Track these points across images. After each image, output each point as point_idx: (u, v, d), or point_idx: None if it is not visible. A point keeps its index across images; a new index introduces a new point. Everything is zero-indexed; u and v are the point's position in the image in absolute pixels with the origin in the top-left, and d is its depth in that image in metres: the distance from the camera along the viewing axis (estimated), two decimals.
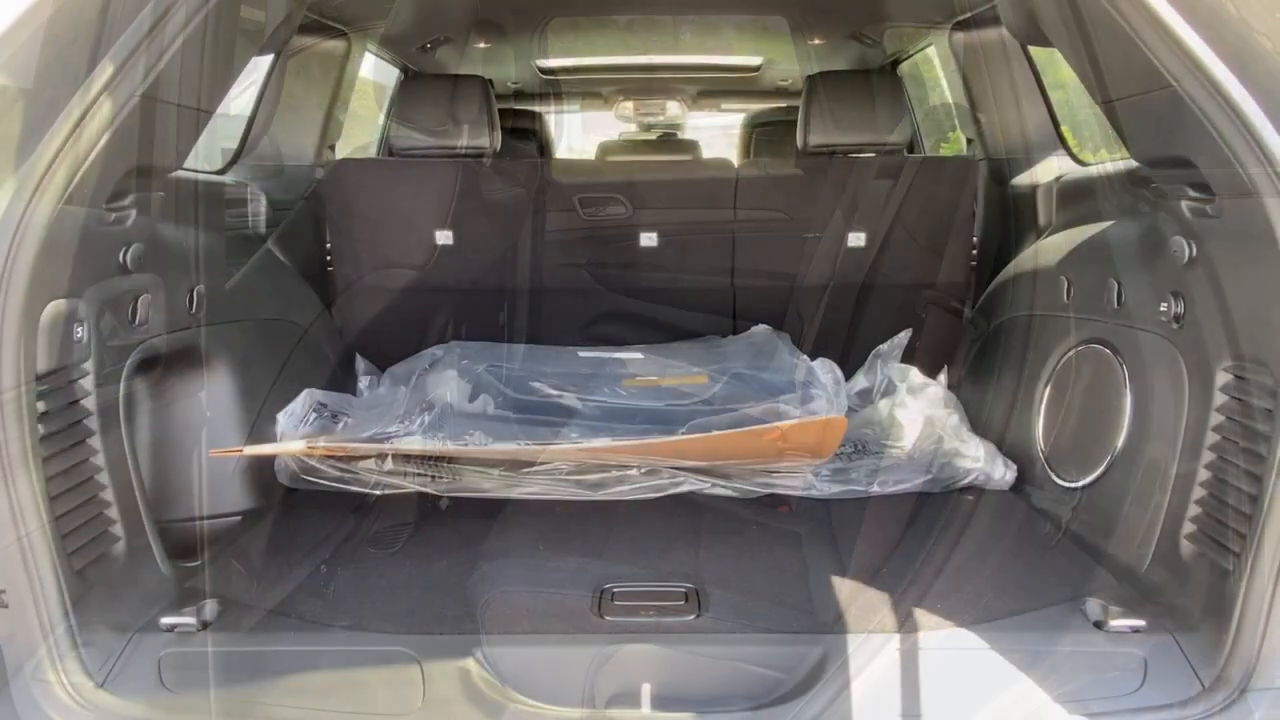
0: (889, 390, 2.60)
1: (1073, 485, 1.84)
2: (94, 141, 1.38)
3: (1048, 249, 2.24)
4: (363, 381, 2.64)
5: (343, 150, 3.14)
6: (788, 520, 1.87)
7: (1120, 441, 1.73)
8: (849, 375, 2.75)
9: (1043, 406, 2.02)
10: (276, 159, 2.77)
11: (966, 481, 2.01)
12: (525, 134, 3.88)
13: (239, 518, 1.88)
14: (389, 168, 2.69)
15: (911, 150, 3.44)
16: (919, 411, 2.39)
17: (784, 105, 4.34)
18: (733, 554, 1.70)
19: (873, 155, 2.72)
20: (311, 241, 2.79)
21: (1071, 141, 2.64)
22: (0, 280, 1.28)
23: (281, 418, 2.05)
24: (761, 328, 2.69)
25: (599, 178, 2.69)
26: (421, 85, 2.92)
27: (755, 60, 4.30)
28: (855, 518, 1.87)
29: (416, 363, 2.59)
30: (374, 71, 3.65)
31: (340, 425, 2.13)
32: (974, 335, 2.54)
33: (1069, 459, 1.90)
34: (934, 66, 3.86)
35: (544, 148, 4.14)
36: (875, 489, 1.97)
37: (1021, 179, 2.71)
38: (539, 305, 2.79)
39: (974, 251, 2.76)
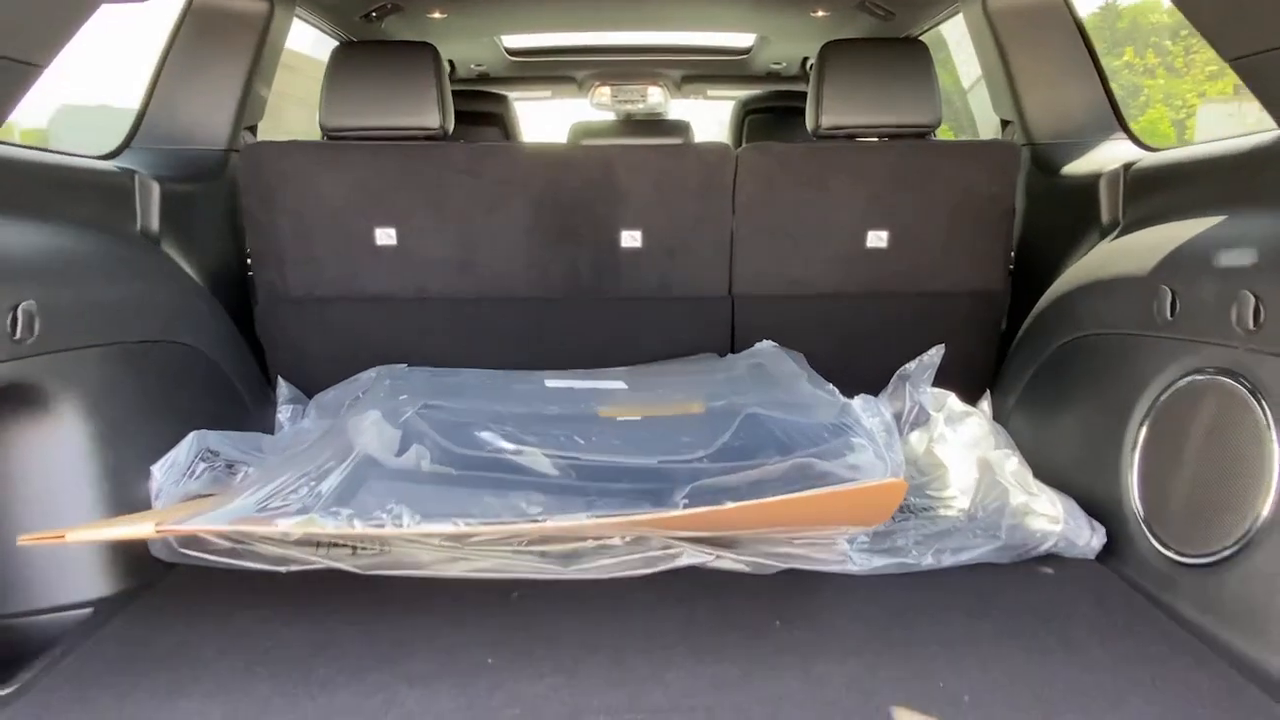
0: (920, 420, 2.17)
1: (1192, 559, 1.41)
2: None
3: (1127, 252, 1.81)
4: (283, 412, 2.17)
5: (272, 135, 2.65)
6: (821, 610, 1.43)
7: (1266, 508, 1.31)
8: None
9: (1136, 453, 1.59)
10: (183, 142, 2.28)
11: (1044, 549, 1.58)
12: (488, 119, 3.42)
13: (89, 610, 1.40)
14: (317, 152, 2.22)
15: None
16: (965, 449, 1.96)
17: (781, 90, 3.91)
18: (755, 667, 1.25)
19: (896, 139, 2.29)
20: (224, 242, 2.31)
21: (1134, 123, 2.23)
22: None
23: (157, 472, 1.58)
24: (766, 344, 2.25)
25: (572, 164, 2.24)
26: (357, 52, 2.44)
27: (746, 40, 3.86)
28: (910, 604, 1.43)
29: (349, 389, 2.12)
30: (315, 47, 3.18)
31: (239, 477, 1.66)
32: (1028, 357, 2.11)
33: (1182, 524, 1.47)
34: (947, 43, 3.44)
35: (510, 135, 3.68)
36: (929, 561, 1.54)
37: (1074, 167, 2.28)
38: (499, 317, 2.33)
39: (1012, 254, 2.34)
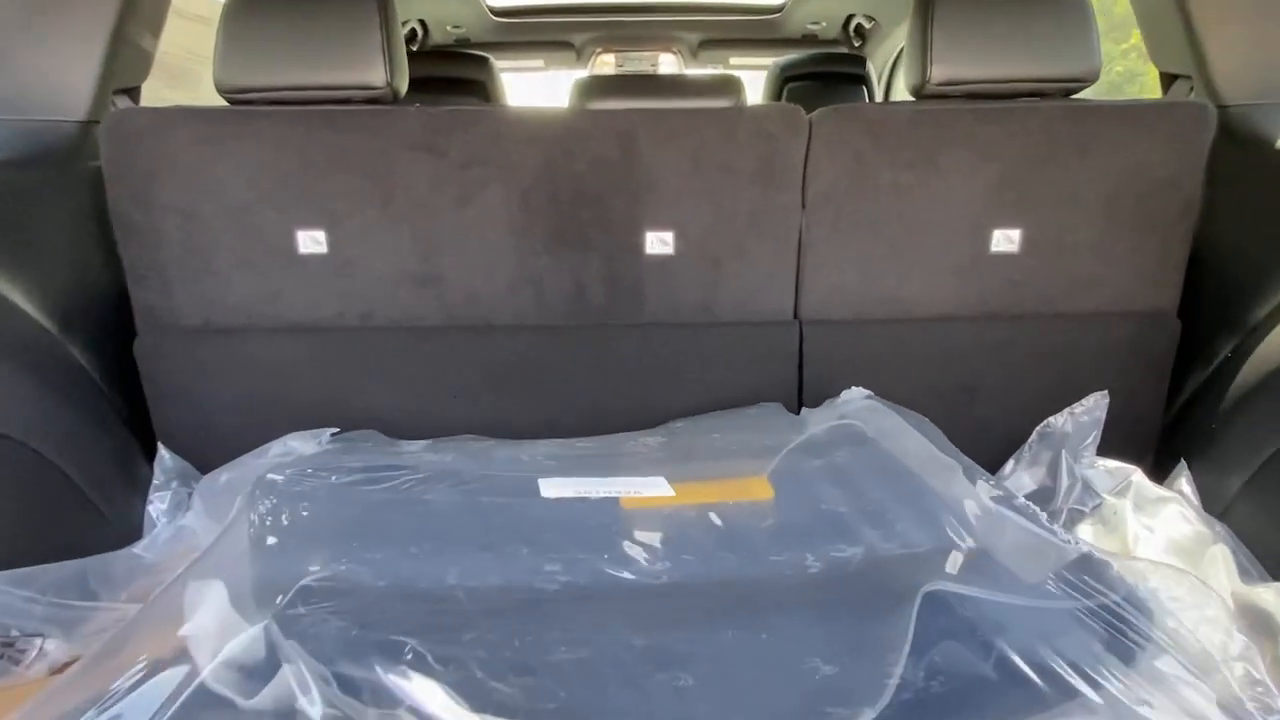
0: (1079, 502, 1.51)
1: None
2: None
3: None
4: (158, 501, 1.49)
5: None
6: None
7: None
8: (993, 465, 1.66)
9: None
10: (16, 110, 1.59)
11: None
12: (461, 86, 2.72)
13: None
14: (213, 123, 1.54)
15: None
16: (1173, 560, 1.29)
17: (828, 53, 3.23)
18: None
19: (1036, 99, 1.62)
20: (82, 253, 1.63)
21: None
22: None
23: None
24: (856, 394, 1.58)
25: (576, 137, 1.57)
26: None
27: None
28: None
29: (249, 470, 1.45)
30: None
31: (32, 653, 0.98)
32: (1261, 413, 1.44)
33: None
34: None
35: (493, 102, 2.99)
36: None
37: None
38: (473, 354, 1.66)
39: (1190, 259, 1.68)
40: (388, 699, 0.69)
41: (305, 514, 1.02)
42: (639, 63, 3.55)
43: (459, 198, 1.58)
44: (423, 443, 1.50)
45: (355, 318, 1.65)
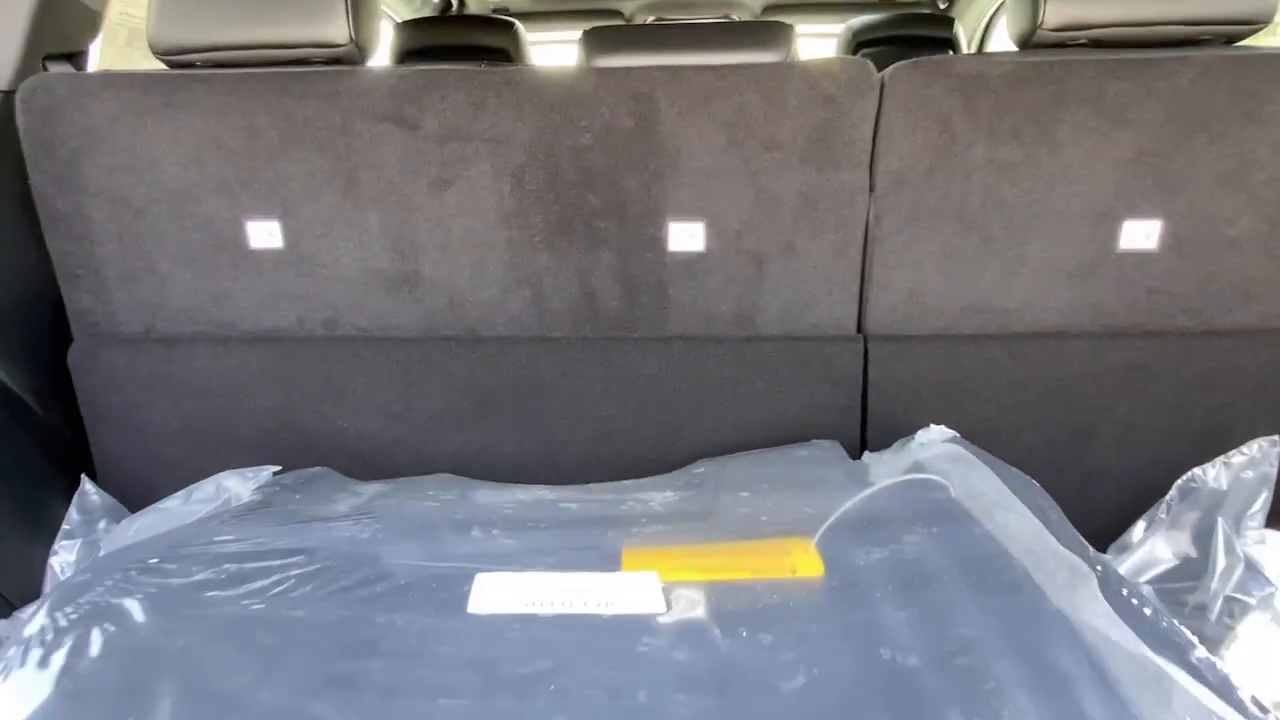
0: (1241, 589, 1.13)
1: None
2: None
3: None
4: (61, 553, 1.23)
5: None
6: None
7: None
8: (1116, 527, 1.29)
9: None
10: None
11: None
12: (481, 54, 2.41)
13: None
14: (145, 90, 1.27)
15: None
16: None
17: (906, 14, 2.82)
18: None
19: (1187, 48, 1.24)
20: (5, 241, 1.37)
21: None
22: None
23: None
24: (936, 433, 1.22)
25: (583, 102, 1.24)
26: None
27: None
28: None
29: (167, 517, 1.16)
30: None
31: None
32: None
33: None
34: None
35: None
36: None
37: None
38: (456, 371, 1.36)
39: None
40: None
41: (100, 654, 0.70)
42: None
43: (437, 180, 1.28)
44: (375, 487, 1.21)
45: (318, 325, 1.37)
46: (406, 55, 2.46)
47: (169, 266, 1.35)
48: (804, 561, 0.96)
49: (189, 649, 0.72)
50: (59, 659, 0.70)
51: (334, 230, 1.31)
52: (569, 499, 1.11)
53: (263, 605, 0.79)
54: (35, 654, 0.71)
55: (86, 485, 1.32)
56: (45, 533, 1.25)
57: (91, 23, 1.55)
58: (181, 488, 1.28)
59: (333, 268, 1.33)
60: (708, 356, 1.34)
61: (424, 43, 2.45)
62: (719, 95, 1.22)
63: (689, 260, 1.30)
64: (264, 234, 1.33)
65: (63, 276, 1.36)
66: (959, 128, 1.22)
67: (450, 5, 3.19)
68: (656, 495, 1.13)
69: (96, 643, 0.73)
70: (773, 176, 1.25)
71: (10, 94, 1.37)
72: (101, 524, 1.30)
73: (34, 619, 0.76)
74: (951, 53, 2.72)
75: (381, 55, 2.00)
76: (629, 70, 1.24)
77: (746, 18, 3.19)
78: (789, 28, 1.67)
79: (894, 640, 0.74)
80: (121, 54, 1.83)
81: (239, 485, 1.19)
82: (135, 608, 0.78)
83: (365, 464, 1.37)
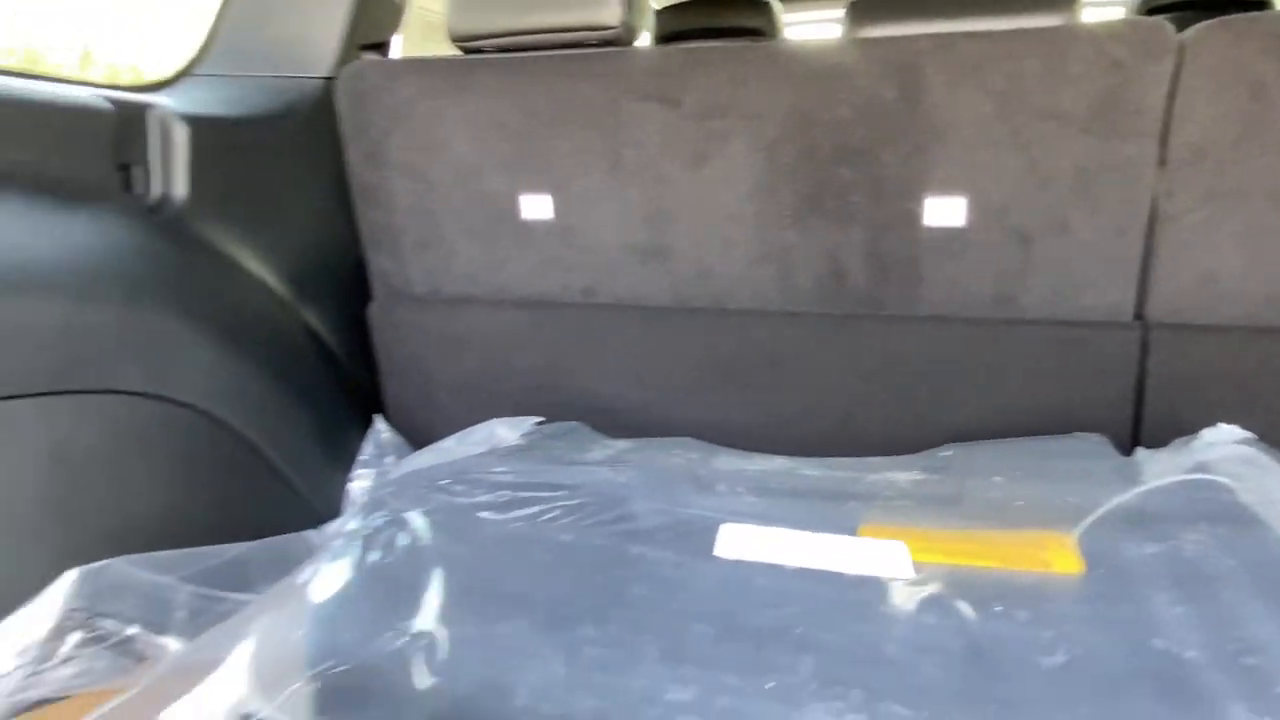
0: None
1: None
2: None
3: None
4: (359, 479, 1.41)
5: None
6: None
7: None
8: None
9: None
10: (264, 67, 1.58)
11: None
12: (735, 35, 2.44)
13: None
14: (441, 74, 1.42)
15: None
16: None
17: None
18: None
19: None
20: (323, 213, 1.59)
21: None
22: None
23: None
24: (1229, 434, 1.09)
25: (841, 75, 1.23)
26: None
27: None
28: None
29: (449, 454, 1.30)
30: None
31: (149, 653, 0.89)
32: None
33: None
34: None
35: None
36: None
37: None
38: (701, 340, 1.40)
39: None
40: None
41: (421, 538, 0.82)
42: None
43: (694, 157, 1.32)
44: (624, 444, 1.28)
45: (578, 293, 1.46)
46: (665, 39, 2.54)
47: (454, 235, 1.49)
48: (1060, 557, 0.91)
49: (471, 554, 0.82)
50: (363, 555, 0.83)
51: (597, 204, 1.39)
52: (809, 470, 1.12)
53: (532, 528, 0.88)
54: (344, 551, 0.84)
55: (379, 424, 1.51)
56: (345, 462, 1.44)
57: (395, 15, 1.75)
58: (454, 432, 1.43)
59: (594, 239, 1.42)
60: (961, 338, 1.28)
61: (682, 26, 2.52)
62: (990, 62, 1.16)
63: (946, 236, 1.25)
64: (536, 207, 1.44)
65: (367, 242, 1.55)
66: (1275, 94, 1.08)
67: None
68: (900, 474, 1.10)
69: (395, 543, 0.85)
70: (1046, 148, 1.17)
71: (331, 80, 1.57)
72: (389, 458, 1.47)
73: (346, 523, 0.89)
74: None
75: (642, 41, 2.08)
76: (894, 40, 1.21)
77: None
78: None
79: (1168, 633, 0.68)
80: (415, 43, 2.04)
81: (506, 432, 1.31)
82: (427, 519, 0.89)
83: (614, 424, 1.45)
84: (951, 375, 1.30)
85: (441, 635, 0.72)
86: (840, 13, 1.71)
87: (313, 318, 1.54)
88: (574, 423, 1.39)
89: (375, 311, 1.57)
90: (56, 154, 1.14)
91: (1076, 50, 1.13)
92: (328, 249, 1.58)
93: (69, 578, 0.89)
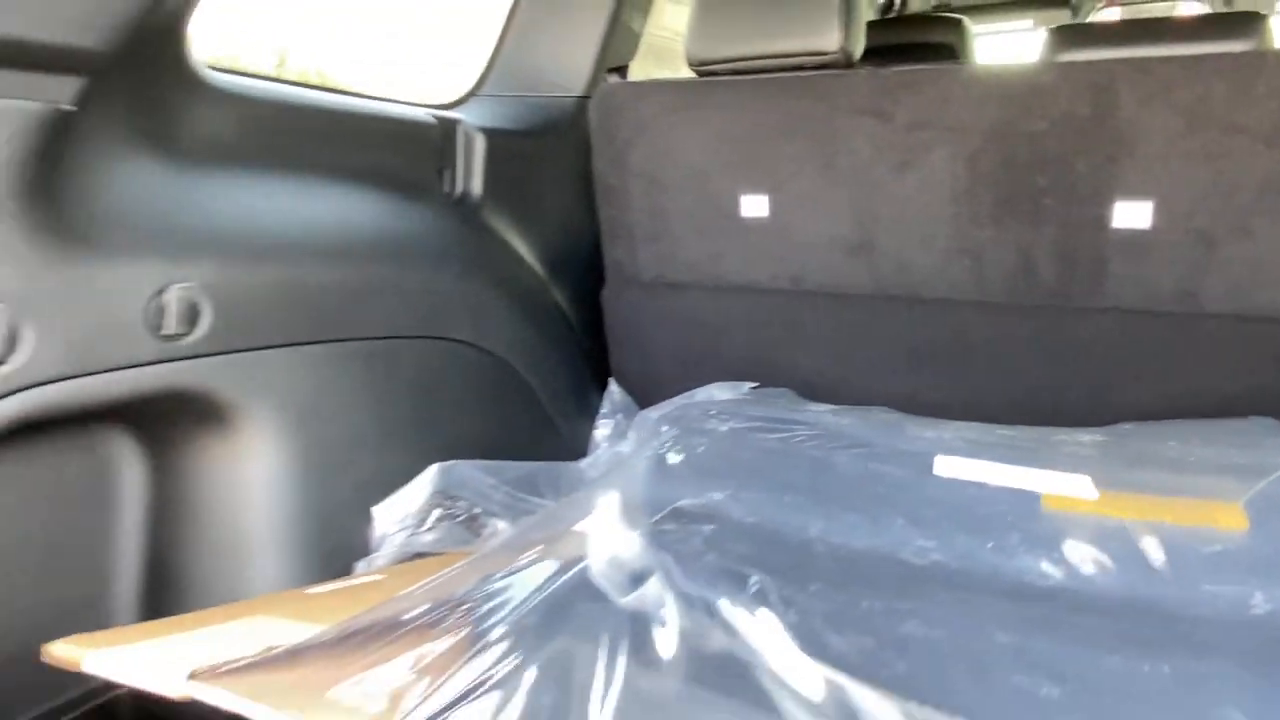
0: None
1: None
2: None
3: None
4: (603, 427, 1.70)
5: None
6: None
7: None
8: None
9: None
10: (533, 88, 1.91)
11: None
12: (928, 51, 2.59)
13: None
14: (678, 94, 1.69)
15: None
16: None
17: None
18: None
19: None
20: (570, 210, 1.90)
21: None
22: None
23: (379, 515, 1.18)
24: None
25: (1040, 94, 1.40)
26: None
27: None
28: None
29: (676, 409, 1.57)
30: None
31: (487, 529, 1.20)
32: None
33: None
34: None
35: None
36: None
37: None
38: (897, 325, 1.60)
39: None
40: (730, 623, 0.71)
41: (699, 449, 1.09)
42: (1152, 14, 3.05)
43: (900, 163, 1.52)
44: (831, 406, 1.50)
45: (786, 281, 1.69)
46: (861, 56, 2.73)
47: (680, 230, 1.76)
48: (1227, 515, 1.05)
49: (747, 456, 1.08)
50: (664, 453, 1.09)
51: (809, 203, 1.62)
52: (996, 432, 1.31)
53: (786, 445, 1.13)
54: (649, 450, 1.11)
55: (613, 387, 1.80)
56: (588, 414, 1.74)
57: (634, 42, 2.04)
58: (668, 399, 1.69)
59: (804, 234, 1.65)
60: (1145, 329, 1.43)
61: (875, 43, 2.71)
62: (1181, 83, 1.31)
63: (1132, 236, 1.40)
64: (754, 206, 1.68)
65: (604, 235, 1.84)
66: None
67: (892, 5, 3.41)
68: (1080, 438, 1.27)
69: (688, 445, 1.12)
70: (1231, 161, 1.31)
71: (584, 98, 1.88)
72: (619, 416, 1.76)
73: (640, 442, 1.17)
74: None
75: None
76: (1090, 63, 1.37)
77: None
78: (1262, 17, 1.64)
79: None
80: (644, 66, 2.35)
81: (724, 394, 1.56)
82: (706, 435, 1.15)
83: (812, 397, 1.67)
84: (1134, 364, 1.44)
85: (743, 497, 0.98)
86: (1028, 21, 1.86)
87: (559, 295, 1.84)
88: (783, 389, 1.62)
89: (608, 294, 1.86)
90: (400, 157, 1.48)
91: (1266, 74, 1.26)
92: (572, 240, 1.89)
93: (430, 471, 1.21)
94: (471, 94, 1.89)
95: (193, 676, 0.68)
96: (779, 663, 0.65)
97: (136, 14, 0.86)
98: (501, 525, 1.18)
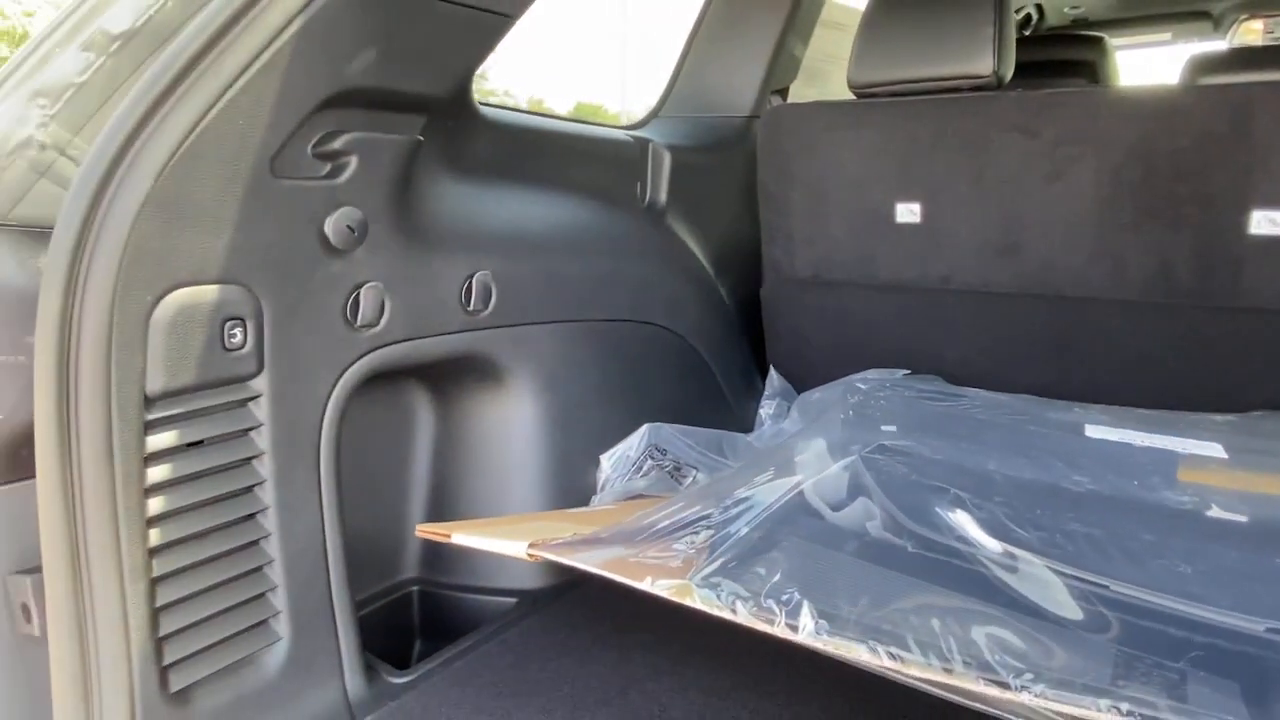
0: None
1: None
2: (275, 32, 0.89)
3: None
4: (766, 407, 1.94)
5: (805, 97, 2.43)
6: None
7: None
8: None
9: None
10: (707, 109, 2.17)
11: None
12: (1070, 68, 2.71)
13: (512, 600, 1.33)
14: (841, 114, 1.91)
15: None
16: None
17: None
18: None
19: None
20: (737, 217, 2.15)
21: None
22: (80, 259, 0.84)
23: (606, 463, 1.46)
24: None
25: (1179, 113, 1.56)
26: None
27: None
28: None
29: (834, 392, 1.79)
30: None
31: (687, 481, 1.46)
32: None
33: None
34: None
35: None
36: None
37: None
38: (1040, 321, 1.77)
39: None
40: (934, 529, 0.94)
41: (884, 406, 1.31)
42: None
43: (1048, 174, 1.70)
44: (980, 390, 1.69)
45: (935, 280, 1.88)
46: None
47: (836, 233, 1.98)
48: None
49: (921, 415, 1.30)
50: (853, 413, 1.33)
51: (960, 210, 1.81)
52: (1136, 412, 1.48)
53: (956, 408, 1.34)
54: (839, 411, 1.35)
55: (773, 373, 2.03)
56: (754, 397, 1.98)
57: (795, 67, 2.28)
58: (821, 385, 1.91)
59: (954, 238, 1.84)
60: (1276, 327, 1.56)
61: (1018, 60, 2.86)
62: None
63: (1268, 242, 1.54)
64: (907, 212, 1.88)
65: (765, 237, 2.08)
66: None
67: (1029, 20, 3.53)
68: (1214, 418, 1.43)
69: (871, 404, 1.35)
70: None
71: (752, 118, 2.12)
72: (779, 399, 1.99)
73: (825, 407, 1.41)
74: None
75: None
76: (1228, 85, 1.52)
77: None
78: None
79: None
80: (794, 86, 2.58)
81: (880, 378, 1.77)
82: (890, 398, 1.38)
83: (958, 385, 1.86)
84: (1265, 360, 1.57)
85: (928, 443, 1.21)
86: (1166, 35, 1.98)
87: (724, 291, 2.09)
88: (933, 375, 1.82)
89: (766, 291, 2.09)
90: (610, 170, 1.77)
91: None
92: (737, 243, 2.13)
93: (644, 429, 1.48)
94: (653, 115, 2.17)
95: (532, 546, 0.96)
96: (978, 540, 0.87)
97: (464, 70, 1.16)
98: (700, 477, 1.44)
